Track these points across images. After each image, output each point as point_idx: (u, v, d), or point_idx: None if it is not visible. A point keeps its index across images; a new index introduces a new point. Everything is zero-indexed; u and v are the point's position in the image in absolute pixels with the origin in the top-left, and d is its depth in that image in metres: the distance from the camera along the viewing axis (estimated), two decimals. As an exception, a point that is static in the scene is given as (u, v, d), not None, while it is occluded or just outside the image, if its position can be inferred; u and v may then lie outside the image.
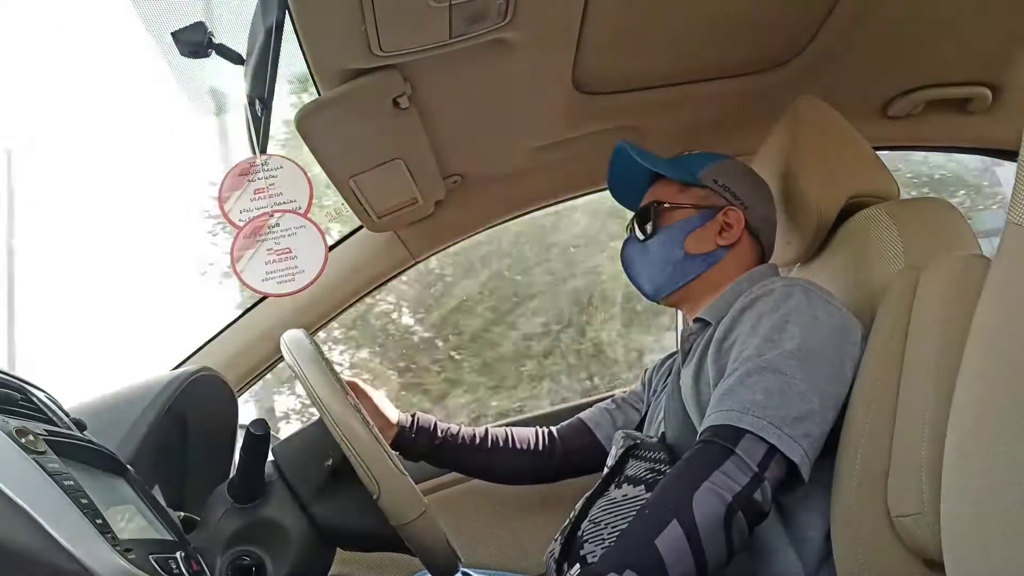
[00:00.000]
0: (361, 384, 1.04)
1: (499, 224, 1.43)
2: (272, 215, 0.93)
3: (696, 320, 0.99)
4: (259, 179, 0.94)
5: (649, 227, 1.01)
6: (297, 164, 0.96)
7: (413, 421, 1.08)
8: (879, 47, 1.19)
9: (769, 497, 0.76)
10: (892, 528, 0.77)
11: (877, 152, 1.08)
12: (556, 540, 0.93)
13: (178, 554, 0.55)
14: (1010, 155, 1.50)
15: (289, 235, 0.93)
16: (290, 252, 0.93)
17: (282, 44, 0.83)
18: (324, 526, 0.80)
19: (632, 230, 1.05)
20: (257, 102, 0.89)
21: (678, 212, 1.01)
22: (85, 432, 0.67)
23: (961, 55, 1.24)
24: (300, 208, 0.95)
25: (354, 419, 0.74)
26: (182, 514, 0.70)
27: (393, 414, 1.06)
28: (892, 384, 0.81)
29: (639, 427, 1.09)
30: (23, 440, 0.50)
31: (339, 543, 0.86)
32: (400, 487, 0.75)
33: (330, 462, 0.79)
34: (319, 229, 0.95)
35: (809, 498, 0.82)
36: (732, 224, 0.99)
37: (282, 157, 0.95)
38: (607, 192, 1.15)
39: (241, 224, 0.93)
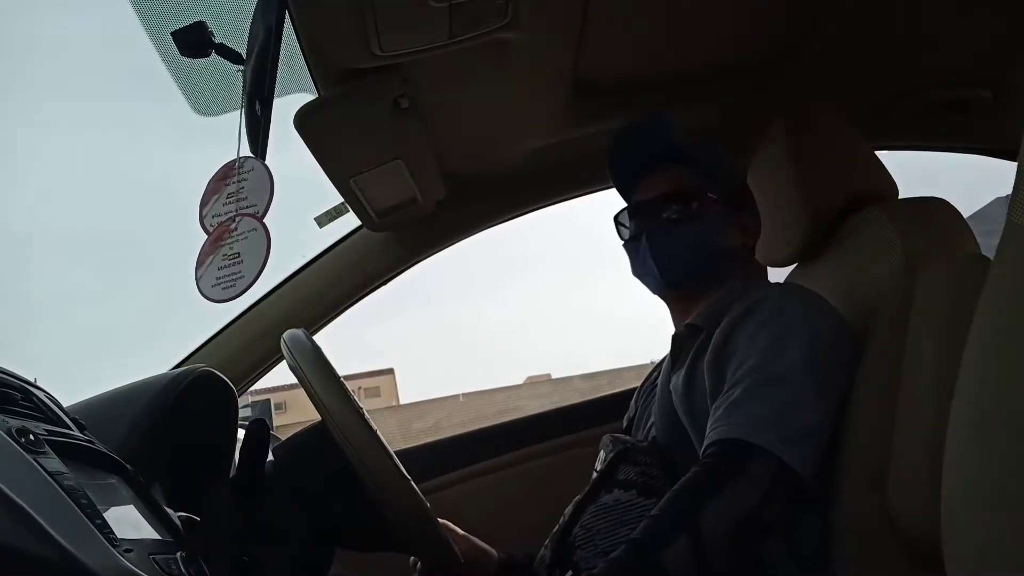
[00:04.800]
0: (453, 527, 0.99)
1: (499, 224, 1.43)
2: (235, 219, 0.90)
3: (687, 325, 0.97)
4: (233, 183, 0.93)
5: (686, 212, 0.96)
6: (263, 164, 0.94)
7: (510, 556, 1.02)
8: (879, 47, 1.19)
9: (779, 514, 0.76)
10: (892, 528, 0.77)
11: (877, 152, 1.08)
12: (546, 546, 0.92)
13: (178, 554, 0.55)
14: (1010, 155, 1.49)
15: (242, 239, 0.90)
16: (239, 257, 0.89)
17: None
18: (324, 526, 0.80)
19: (656, 213, 0.98)
20: (257, 102, 0.89)
21: (715, 204, 0.98)
22: (85, 432, 0.67)
23: (961, 55, 1.24)
24: (259, 211, 0.91)
25: (354, 419, 0.74)
26: (182, 514, 0.70)
27: (490, 551, 1.02)
28: (891, 384, 0.81)
29: (626, 431, 1.08)
30: (23, 440, 0.50)
31: (339, 543, 0.86)
32: (399, 486, 0.75)
33: (330, 462, 0.79)
34: (267, 234, 0.90)
35: (804, 502, 0.81)
36: (751, 226, 1.00)
37: (255, 160, 0.94)
38: (605, 193, 1.15)
39: (210, 229, 0.91)
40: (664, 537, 0.72)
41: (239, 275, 0.89)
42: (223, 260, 0.89)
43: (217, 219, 0.92)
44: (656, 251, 0.97)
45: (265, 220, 0.92)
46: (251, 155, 0.93)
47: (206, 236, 0.91)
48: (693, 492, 0.76)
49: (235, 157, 0.94)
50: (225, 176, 0.93)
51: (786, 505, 0.77)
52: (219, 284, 0.89)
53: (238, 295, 0.89)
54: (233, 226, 0.91)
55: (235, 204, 0.92)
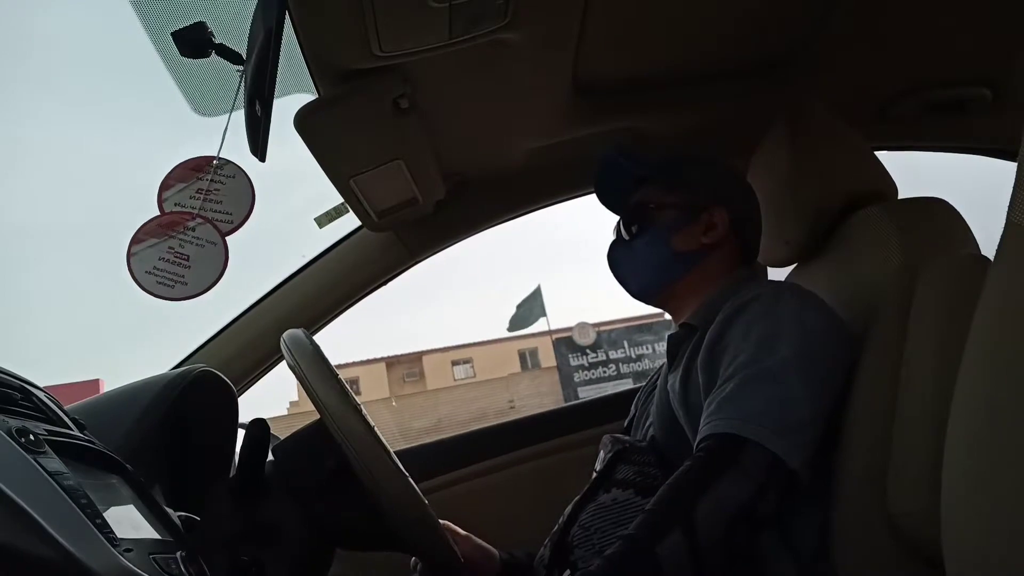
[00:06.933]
0: (455, 527, 0.99)
1: (499, 224, 1.43)
2: (194, 218, 0.89)
3: (682, 325, 0.99)
4: (206, 180, 0.91)
5: (635, 227, 1.02)
6: (250, 182, 0.92)
7: (512, 556, 1.02)
8: (878, 47, 1.19)
9: (772, 507, 0.76)
10: (892, 528, 0.77)
11: (877, 153, 1.09)
12: (545, 545, 0.93)
13: (178, 554, 0.55)
14: (1010, 155, 1.50)
15: (196, 244, 0.89)
16: (187, 260, 0.88)
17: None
18: (324, 526, 0.80)
19: (618, 232, 1.06)
20: (257, 102, 0.89)
21: (664, 212, 1.01)
22: (85, 432, 0.67)
23: (961, 55, 1.24)
24: (232, 222, 0.91)
25: (354, 418, 0.74)
26: (182, 514, 0.70)
27: (493, 551, 1.02)
28: (892, 384, 0.81)
29: (626, 431, 1.09)
30: (23, 440, 0.50)
31: (339, 543, 0.86)
32: (400, 487, 0.75)
33: (330, 462, 0.79)
34: (225, 256, 0.90)
35: (801, 500, 0.82)
36: (717, 224, 1.00)
37: (236, 167, 0.93)
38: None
39: (164, 211, 0.89)
40: (659, 531, 0.73)
41: (182, 279, 0.88)
42: (167, 253, 0.88)
43: (178, 207, 0.90)
44: (617, 268, 1.06)
45: (228, 239, 0.90)
46: (235, 163, 0.92)
47: (157, 214, 0.89)
48: (686, 486, 0.76)
49: (215, 154, 0.92)
50: (198, 168, 0.92)
51: (779, 498, 0.77)
52: (155, 276, 0.87)
53: (172, 299, 0.87)
54: (191, 224, 0.89)
55: (202, 203, 0.90)
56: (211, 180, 0.91)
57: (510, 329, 16.82)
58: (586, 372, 13.83)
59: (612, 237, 1.08)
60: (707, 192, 1.02)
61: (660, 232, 1.00)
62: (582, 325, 14.21)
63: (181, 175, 0.92)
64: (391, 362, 19.37)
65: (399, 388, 18.62)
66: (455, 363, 19.28)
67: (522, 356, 19.22)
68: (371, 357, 19.07)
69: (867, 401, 0.82)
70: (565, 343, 14.16)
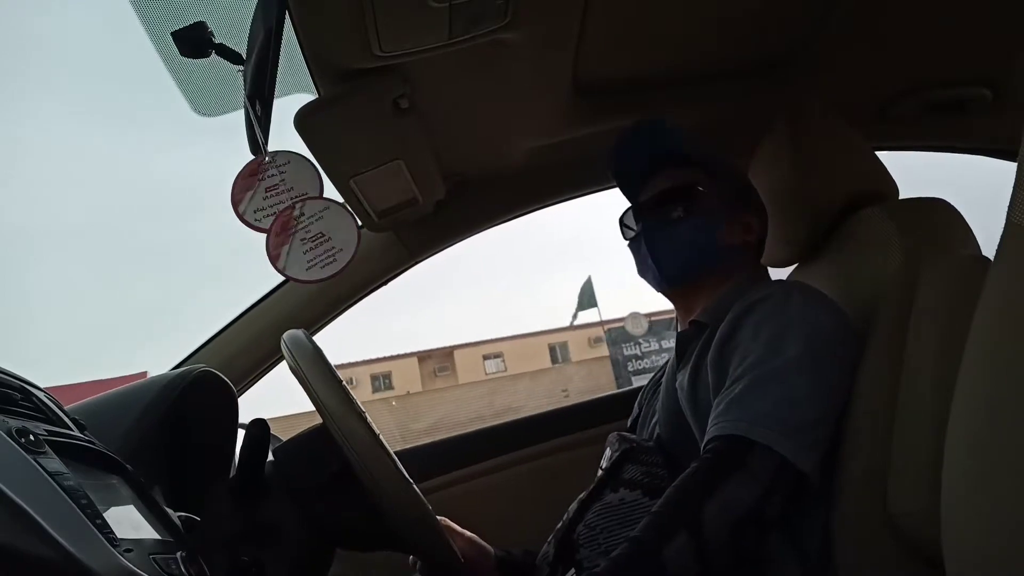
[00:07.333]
0: (452, 524, 1.00)
1: (499, 224, 1.43)
2: (293, 207, 0.93)
3: (691, 323, 0.98)
4: (270, 176, 0.94)
5: (683, 209, 0.98)
6: (300, 154, 0.95)
7: (508, 554, 1.02)
8: (878, 47, 1.19)
9: (778, 509, 0.76)
10: (892, 528, 0.77)
11: (877, 153, 1.09)
12: (549, 542, 0.92)
13: (178, 554, 0.55)
14: (1010, 155, 1.50)
15: (317, 220, 0.93)
16: (323, 235, 0.93)
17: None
18: (324, 526, 0.80)
19: (655, 211, 1.00)
20: (257, 102, 0.89)
21: (713, 200, 0.99)
22: (85, 432, 0.67)
23: (961, 55, 1.24)
24: (317, 195, 0.94)
25: (354, 419, 0.74)
26: (182, 514, 0.70)
27: (488, 548, 1.02)
28: (892, 384, 0.81)
29: (630, 430, 1.08)
30: (23, 440, 0.50)
31: (339, 543, 0.86)
32: (400, 487, 0.75)
33: (331, 463, 0.79)
34: (343, 206, 0.94)
35: (807, 498, 0.82)
36: (754, 226, 1.01)
37: (287, 152, 0.95)
38: (605, 193, 1.15)
39: (260, 225, 0.92)
40: (665, 534, 0.72)
41: (336, 249, 0.93)
42: (305, 245, 0.93)
43: (262, 213, 0.93)
44: (655, 248, 1.00)
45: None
46: (284, 150, 0.94)
47: (266, 232, 0.93)
48: (693, 488, 0.76)
49: (260, 154, 0.94)
50: (253, 172, 0.93)
51: (787, 501, 0.77)
52: (316, 264, 0.93)
53: (346, 264, 0.93)
54: (297, 212, 0.93)
55: (286, 194, 0.93)
56: (272, 175, 0.93)
57: (574, 320, 17.74)
58: (639, 361, 14.32)
59: (636, 219, 1.04)
60: (743, 192, 1.02)
61: (711, 219, 0.98)
62: (634, 315, 14.67)
63: (244, 185, 0.93)
64: (423, 357, 19.58)
65: (431, 382, 18.85)
66: (486, 357, 19.46)
67: (552, 350, 19.53)
68: (403, 352, 19.41)
69: (867, 401, 0.82)
70: (619, 333, 14.76)
